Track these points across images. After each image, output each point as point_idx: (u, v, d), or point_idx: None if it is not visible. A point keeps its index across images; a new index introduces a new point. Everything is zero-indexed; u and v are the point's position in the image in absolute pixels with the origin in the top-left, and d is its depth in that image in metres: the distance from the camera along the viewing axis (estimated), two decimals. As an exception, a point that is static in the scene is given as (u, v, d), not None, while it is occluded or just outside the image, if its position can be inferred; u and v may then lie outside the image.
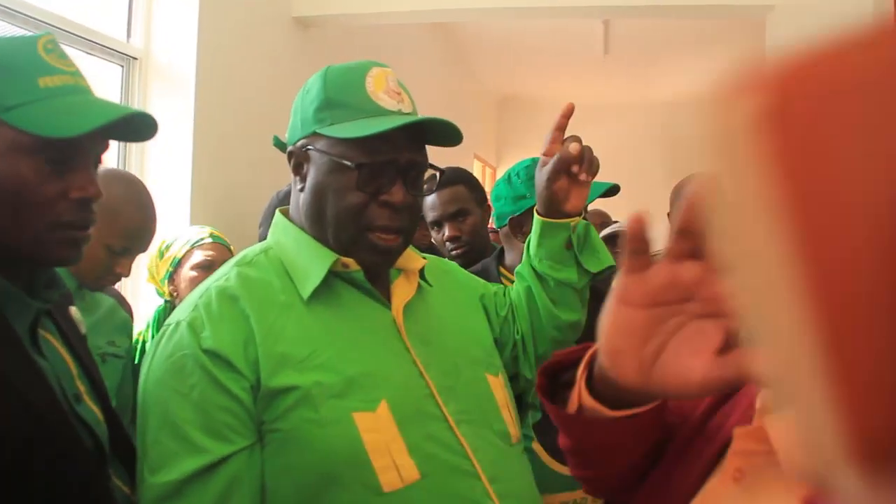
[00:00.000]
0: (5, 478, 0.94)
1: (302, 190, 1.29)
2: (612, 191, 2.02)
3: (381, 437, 1.15)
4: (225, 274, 1.26)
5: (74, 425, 1.08)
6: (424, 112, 1.32)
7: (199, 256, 2.41)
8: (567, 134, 1.52)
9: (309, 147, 1.27)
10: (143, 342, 2.33)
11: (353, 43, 4.58)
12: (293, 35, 3.98)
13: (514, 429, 1.37)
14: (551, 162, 1.45)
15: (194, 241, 2.43)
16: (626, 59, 7.78)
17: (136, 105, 3.07)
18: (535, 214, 1.52)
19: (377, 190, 1.24)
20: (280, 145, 1.37)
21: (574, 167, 1.45)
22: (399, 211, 1.27)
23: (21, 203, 1.03)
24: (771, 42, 3.88)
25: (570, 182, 1.47)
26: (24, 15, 2.59)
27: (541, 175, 1.48)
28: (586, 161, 1.46)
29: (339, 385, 1.16)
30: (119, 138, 1.20)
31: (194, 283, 2.37)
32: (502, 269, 2.09)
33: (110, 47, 2.98)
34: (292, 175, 1.32)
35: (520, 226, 2.03)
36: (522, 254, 2.01)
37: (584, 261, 1.52)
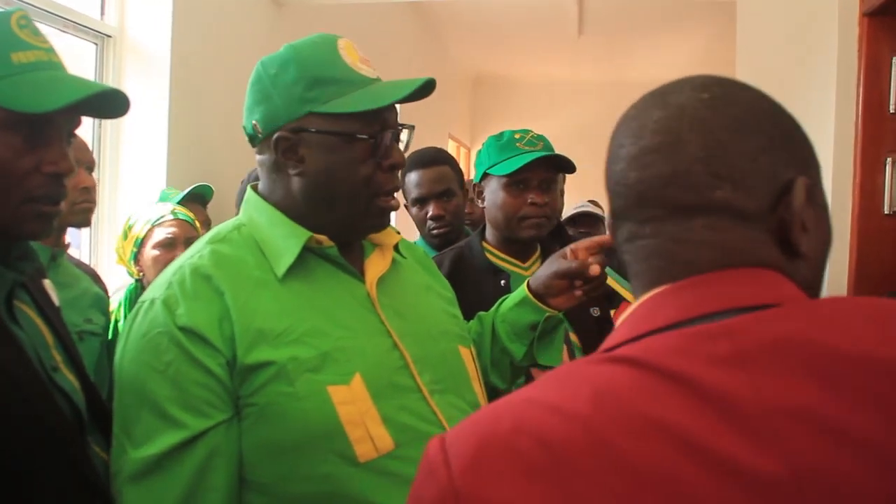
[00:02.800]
0: None
1: (300, 174, 1.27)
2: (561, 161, 2.04)
3: (355, 408, 1.18)
4: (199, 251, 1.27)
5: (52, 393, 1.10)
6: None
7: (160, 235, 2.40)
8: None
9: (303, 129, 1.25)
10: (116, 321, 2.33)
11: (326, 22, 4.57)
12: (268, 13, 3.97)
13: (483, 400, 1.41)
14: (569, 263, 1.51)
15: (154, 220, 2.43)
16: (600, 39, 7.81)
17: (111, 83, 3.05)
18: (526, 285, 1.57)
19: (383, 156, 1.28)
20: (252, 136, 1.32)
21: (579, 282, 1.52)
22: (397, 171, 1.32)
23: None
24: (742, 21, 3.92)
25: (568, 287, 1.54)
26: (-4, -9, 2.57)
27: (552, 264, 1.54)
28: (593, 285, 1.52)
29: (314, 360, 1.19)
30: (92, 115, 1.21)
31: (158, 262, 2.37)
32: (485, 244, 2.12)
33: (84, 25, 2.95)
34: (280, 160, 1.27)
35: (480, 192, 2.10)
36: (488, 221, 2.09)
37: (537, 348, 1.58)
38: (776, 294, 0.68)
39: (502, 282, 2.01)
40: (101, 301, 2.18)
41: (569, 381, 0.68)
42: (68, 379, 1.17)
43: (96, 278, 2.28)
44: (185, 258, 1.26)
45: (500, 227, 2.05)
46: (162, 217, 2.43)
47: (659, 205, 0.72)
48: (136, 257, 2.42)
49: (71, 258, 2.19)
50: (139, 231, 2.42)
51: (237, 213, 1.48)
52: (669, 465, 0.59)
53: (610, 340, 0.72)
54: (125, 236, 2.45)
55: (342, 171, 1.26)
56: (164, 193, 2.85)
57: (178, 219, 2.45)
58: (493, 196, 2.04)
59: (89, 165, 2.12)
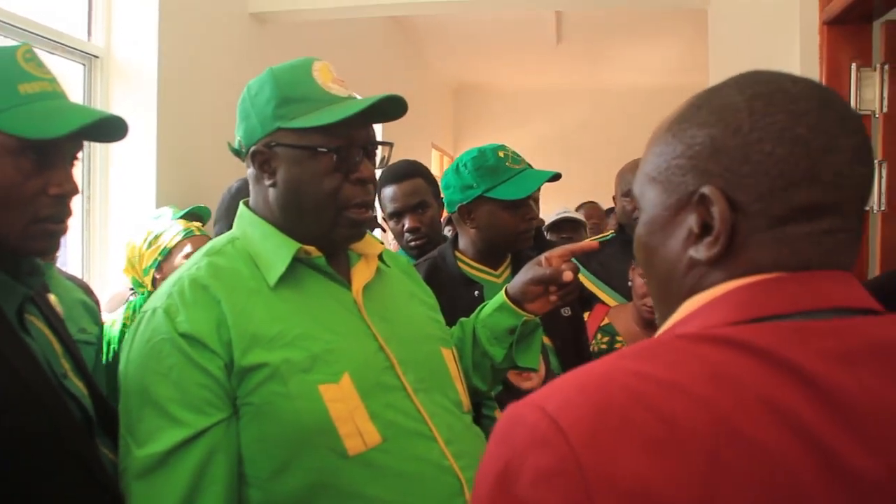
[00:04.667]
0: (1, 446, 1.04)
1: (273, 185, 1.37)
2: (555, 178, 2.13)
3: (344, 406, 1.26)
4: (196, 263, 1.36)
5: (63, 398, 1.18)
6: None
7: (196, 244, 2.48)
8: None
9: (274, 144, 1.34)
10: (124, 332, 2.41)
11: (308, 37, 4.64)
12: (250, 30, 4.03)
13: (465, 398, 1.50)
14: (544, 270, 1.59)
15: (185, 233, 2.51)
16: (578, 47, 7.91)
17: (99, 103, 3.11)
18: (504, 291, 1.65)
19: (350, 169, 1.35)
20: (236, 151, 1.43)
21: (553, 287, 1.60)
22: (367, 185, 1.39)
23: (5, 200, 1.13)
24: (713, 29, 4.03)
25: (543, 292, 1.62)
26: (-14, 15, 2.62)
27: (528, 271, 1.62)
28: (567, 290, 1.60)
29: (305, 361, 1.27)
30: (93, 139, 1.29)
31: None
32: (458, 254, 2.19)
33: (71, 46, 3.01)
34: (258, 173, 1.38)
35: (468, 213, 2.12)
36: (473, 238, 2.13)
37: (516, 351, 1.66)
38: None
39: (476, 293, 2.08)
40: (94, 311, 2.24)
41: (677, 357, 0.66)
42: (77, 385, 1.25)
43: (88, 291, 2.33)
44: (184, 270, 1.35)
45: (498, 245, 2.13)
46: (191, 231, 2.52)
47: (863, 202, 0.73)
48: (160, 265, 2.50)
49: (61, 271, 2.24)
50: (168, 241, 2.49)
51: (216, 231, 1.54)
52: (794, 456, 0.58)
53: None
54: (149, 246, 2.52)
55: (308, 184, 1.34)
56: (175, 213, 2.95)
57: (203, 235, 2.54)
58: (491, 218, 2.08)
59: None
